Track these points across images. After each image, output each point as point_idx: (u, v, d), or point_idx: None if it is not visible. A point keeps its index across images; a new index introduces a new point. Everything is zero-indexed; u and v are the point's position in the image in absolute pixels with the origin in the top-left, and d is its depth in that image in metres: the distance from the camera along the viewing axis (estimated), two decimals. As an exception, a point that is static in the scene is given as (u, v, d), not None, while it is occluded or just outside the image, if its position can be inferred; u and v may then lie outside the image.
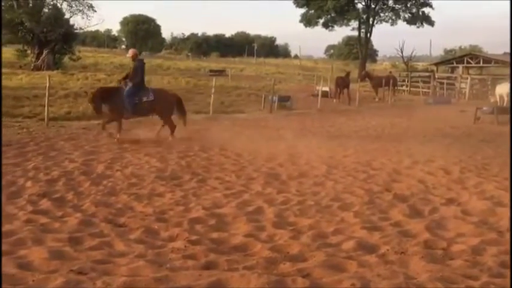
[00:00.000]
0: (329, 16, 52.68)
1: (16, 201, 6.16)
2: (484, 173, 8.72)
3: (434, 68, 40.64)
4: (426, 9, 51.62)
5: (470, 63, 37.16)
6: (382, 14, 52.69)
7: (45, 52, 32.09)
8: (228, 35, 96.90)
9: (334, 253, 4.68)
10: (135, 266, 4.19)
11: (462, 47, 66.95)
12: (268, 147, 10.69)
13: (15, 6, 32.84)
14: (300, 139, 12.30)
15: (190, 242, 4.93)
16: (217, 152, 10.17)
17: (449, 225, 5.68)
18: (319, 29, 55.20)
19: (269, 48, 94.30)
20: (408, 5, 51.75)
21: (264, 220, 5.81)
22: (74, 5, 35.72)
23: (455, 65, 38.56)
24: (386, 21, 52.92)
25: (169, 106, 11.46)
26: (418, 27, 52.08)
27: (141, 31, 76.31)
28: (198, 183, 7.53)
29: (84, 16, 36.10)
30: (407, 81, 36.66)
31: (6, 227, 5.17)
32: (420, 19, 51.61)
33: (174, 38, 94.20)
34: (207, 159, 9.48)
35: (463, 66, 37.41)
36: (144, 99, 11.04)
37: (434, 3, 52.33)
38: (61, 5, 35.95)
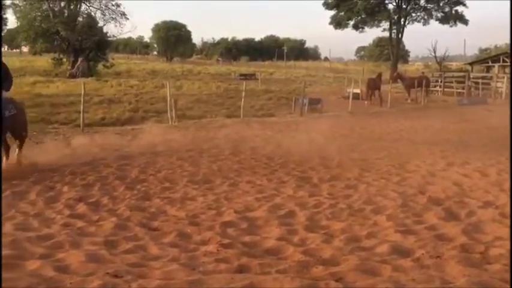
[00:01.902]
0: (359, 17, 52.11)
1: (54, 206, 6.33)
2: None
3: (469, 68, 39.72)
4: (459, 8, 50.44)
5: (506, 62, 36.13)
6: (413, 14, 51.74)
7: (80, 60, 32.91)
8: (257, 38, 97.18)
9: (367, 257, 4.62)
10: (168, 269, 4.24)
11: (498, 46, 65.13)
12: (299, 151, 10.66)
13: (51, 16, 33.83)
14: (331, 142, 12.22)
15: (223, 245, 4.96)
16: (248, 156, 10.20)
17: (486, 228, 5.53)
18: (349, 31, 54.66)
19: (299, 51, 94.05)
20: (441, 4, 50.66)
21: (296, 223, 5.78)
22: (107, 13, 36.57)
23: (490, 64, 37.60)
24: (418, 21, 51.95)
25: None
26: (451, 26, 50.93)
27: (172, 37, 77.28)
28: (230, 187, 7.57)
29: (117, 24, 36.91)
30: (441, 82, 35.92)
31: (44, 231, 5.32)
32: (453, 18, 50.45)
33: (204, 43, 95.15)
34: (238, 162, 9.52)
35: (498, 65, 36.42)
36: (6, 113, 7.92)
37: (468, 2, 50.86)
38: (95, 13, 36.89)
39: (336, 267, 4.36)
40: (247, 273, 4.22)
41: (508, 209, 6.33)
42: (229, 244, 4.99)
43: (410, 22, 51.94)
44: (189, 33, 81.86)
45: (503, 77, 33.06)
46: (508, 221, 5.80)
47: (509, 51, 38.38)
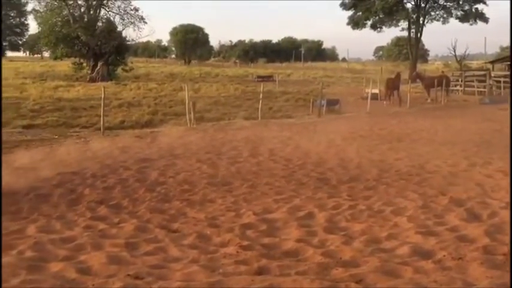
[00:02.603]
0: (377, 17, 51.71)
1: (75, 208, 6.44)
2: None
3: (490, 67, 39.06)
4: (479, 6, 49.66)
5: (529, 60, 35.45)
6: (432, 13, 51.09)
7: (99, 64, 33.40)
8: (275, 40, 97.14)
9: (388, 259, 4.58)
10: (188, 271, 4.27)
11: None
12: (317, 152, 10.62)
13: (71, 21, 34.38)
14: (349, 143, 12.15)
15: (242, 247, 4.97)
16: (266, 158, 10.20)
17: (509, 229, 5.43)
18: (367, 31, 54.38)
19: (316, 52, 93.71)
20: (460, 2, 49.94)
21: (315, 225, 5.77)
22: (126, 18, 37.02)
23: (512, 62, 36.89)
24: (437, 20, 51.28)
25: None
26: (471, 24, 50.15)
27: (190, 40, 77.82)
28: (248, 189, 7.58)
29: (136, 28, 37.34)
30: (461, 81, 35.41)
31: (66, 233, 5.41)
32: (473, 16, 49.68)
33: (222, 46, 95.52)
34: (256, 164, 9.53)
35: (521, 63, 35.73)
36: None
37: (488, 0, 49.99)
38: (114, 18, 37.39)
39: (356, 268, 4.34)
40: (267, 275, 4.22)
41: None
42: (249, 246, 5.01)
43: (430, 21, 51.30)
44: (206, 36, 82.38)
45: (526, 75, 32.43)
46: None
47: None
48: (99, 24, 36.70)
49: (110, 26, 36.65)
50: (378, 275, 4.17)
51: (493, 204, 6.49)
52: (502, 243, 5.00)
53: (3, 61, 45.40)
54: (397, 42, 77.07)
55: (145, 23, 37.55)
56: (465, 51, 48.36)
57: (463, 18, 50.16)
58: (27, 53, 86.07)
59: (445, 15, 50.80)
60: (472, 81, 33.89)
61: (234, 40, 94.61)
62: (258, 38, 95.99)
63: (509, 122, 10.85)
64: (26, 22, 69.34)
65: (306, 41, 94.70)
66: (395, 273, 4.21)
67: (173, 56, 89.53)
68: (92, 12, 35.82)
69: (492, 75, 34.89)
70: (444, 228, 5.56)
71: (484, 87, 32.49)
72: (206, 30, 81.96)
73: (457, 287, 3.85)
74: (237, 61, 75.74)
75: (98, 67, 33.25)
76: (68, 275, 4.19)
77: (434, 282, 3.97)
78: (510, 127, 9.88)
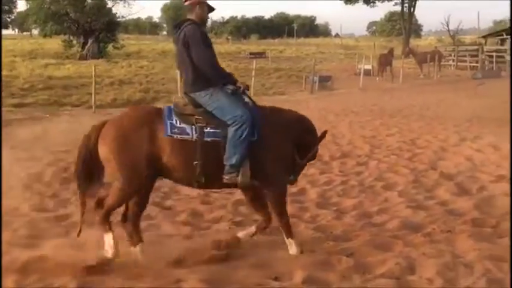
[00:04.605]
0: (370, -8, 51.26)
1: (69, 187, 6.44)
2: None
3: (483, 41, 38.99)
4: (473, -20, 49.28)
5: (522, 34, 35.41)
6: (426, -13, 50.72)
7: (90, 41, 32.94)
8: (267, 16, 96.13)
9: (378, 233, 4.67)
10: (182, 246, 4.32)
11: (513, 18, 63.71)
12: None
13: (60, -2, 33.78)
14: (341, 119, 12.18)
15: (235, 223, 5.04)
16: (259, 135, 10.21)
17: (498, 202, 5.54)
18: (360, 6, 53.79)
19: (309, 28, 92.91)
20: (454, -24, 49.51)
21: (307, 201, 5.84)
22: (115, -6, 36.38)
23: (504, 36, 36.83)
24: (431, -6, 50.93)
25: None
26: (464, -2, 49.89)
27: (182, 16, 76.50)
28: (241, 166, 7.60)
29: (126, 4, 36.73)
30: (454, 56, 35.38)
31: (61, 211, 5.44)
32: (467, -10, 49.34)
33: (213, 22, 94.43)
34: (249, 141, 9.54)
35: (513, 38, 35.71)
36: None
37: (481, -27, 49.73)
38: (104, -6, 36.72)
39: (347, 242, 4.43)
40: (260, 249, 4.28)
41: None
42: (241, 222, 5.07)
43: (423, -5, 50.89)
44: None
45: (518, 50, 32.45)
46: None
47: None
48: (89, 0, 36.08)
49: (100, 2, 36.01)
50: (369, 248, 4.26)
51: (482, 178, 6.59)
52: (490, 216, 5.10)
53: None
54: (391, 17, 76.50)
55: (136, -1, 37.02)
56: (458, 26, 48.16)
57: (456, -7, 49.74)
58: (16, 30, 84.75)
59: (438, -10, 50.37)
60: (465, 56, 33.90)
61: (226, 16, 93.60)
62: (250, 14, 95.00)
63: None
64: (14, -1, 68.17)
65: (298, 17, 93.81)
66: (385, 246, 4.30)
67: (165, 32, 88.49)
68: (81, -12, 35.17)
69: (484, 50, 34.86)
70: (434, 203, 5.65)
71: (477, 62, 32.51)
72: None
73: (446, 259, 3.94)
74: (229, 37, 75.02)
75: (88, 44, 32.80)
76: (64, 251, 4.23)
77: (423, 254, 4.06)
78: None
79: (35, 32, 48.14)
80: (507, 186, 6.17)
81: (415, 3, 50.30)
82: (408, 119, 12.37)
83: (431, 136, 9.72)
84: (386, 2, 52.45)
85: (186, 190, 6.32)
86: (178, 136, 3.84)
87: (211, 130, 3.88)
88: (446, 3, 75.64)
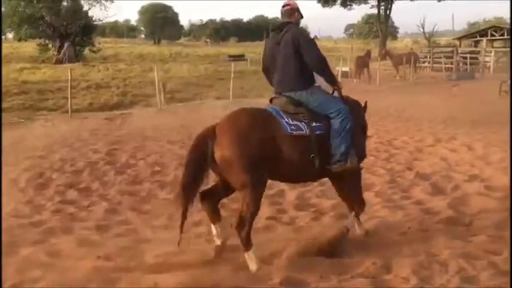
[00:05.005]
0: (347, -6, 51.80)
1: (44, 193, 6.36)
2: (509, 148, 8.56)
3: (457, 43, 39.73)
4: (447, -17, 50.23)
5: (495, 36, 36.21)
6: (401, -10, 51.51)
7: (66, 45, 32.53)
8: (246, 19, 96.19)
9: (355, 233, 4.71)
10: (160, 251, 4.30)
11: (486, 20, 65.10)
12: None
13: (35, 1, 33.26)
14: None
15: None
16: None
17: (471, 201, 5.64)
18: (338, 8, 54.31)
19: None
20: (428, -21, 50.42)
21: (285, 203, 5.86)
22: (91, -3, 36.02)
23: (478, 38, 37.63)
24: (406, -3, 51.72)
25: None
26: (439, 1, 50.77)
27: (159, 19, 76.31)
28: (220, 169, 7.59)
29: (102, 7, 36.44)
30: (430, 58, 35.96)
31: (36, 218, 5.36)
32: (441, -7, 50.25)
33: (192, 25, 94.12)
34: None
35: (486, 40, 36.49)
36: None
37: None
38: (79, -3, 36.31)
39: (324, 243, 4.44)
40: (237, 252, 4.28)
41: (493, 182, 6.45)
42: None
43: (398, -2, 51.64)
44: (176, 15, 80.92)
45: (491, 51, 33.15)
46: (493, 194, 5.92)
47: (496, 25, 38.43)
48: (64, 3, 35.64)
49: (75, 5, 35.65)
50: (346, 248, 4.29)
51: (456, 178, 6.70)
52: (464, 214, 5.20)
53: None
54: (368, 19, 77.33)
55: (112, 1, 36.73)
56: (433, 28, 48.99)
57: (431, -5, 50.63)
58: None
59: (413, -8, 51.20)
60: (440, 57, 34.48)
61: (205, 19, 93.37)
62: (229, 16, 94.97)
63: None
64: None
65: (277, 20, 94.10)
66: (362, 246, 4.33)
67: (142, 36, 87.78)
68: (56, -9, 34.71)
69: (459, 51, 35.50)
70: (410, 202, 5.74)
71: (452, 63, 33.09)
72: (176, 9, 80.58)
73: (421, 258, 4.00)
74: (208, 40, 74.89)
75: (64, 48, 32.39)
76: (39, 257, 4.18)
77: (399, 254, 4.11)
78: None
79: (10, 35, 47.28)
80: (480, 185, 6.31)
81: (391, 6, 51.08)
82: (385, 120, 12.52)
83: (407, 137, 9.86)
84: (363, 4, 53.08)
85: (163, 194, 6.32)
86: (296, 133, 4.01)
87: (317, 124, 4.13)
88: (421, 5, 76.73)
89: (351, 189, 4.56)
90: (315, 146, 4.04)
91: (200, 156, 3.87)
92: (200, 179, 3.91)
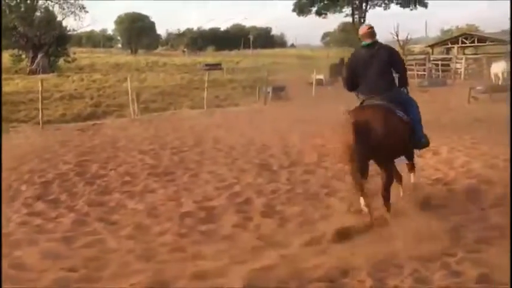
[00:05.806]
0: (322, 3, 52.48)
1: (12, 205, 6.32)
2: (473, 152, 8.81)
3: (430, 50, 40.54)
4: (418, -9, 51.30)
5: (465, 43, 37.09)
6: (374, -2, 52.44)
7: (39, 56, 32.18)
8: (223, 28, 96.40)
9: (318, 238, 4.82)
10: (124, 260, 4.35)
11: (459, 27, 66.53)
12: (261, 139, 10.80)
13: (8, 11, 32.89)
14: (293, 129, 12.39)
15: (179, 235, 5.09)
16: (210, 146, 10.29)
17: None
18: (314, 17, 54.93)
19: (265, 39, 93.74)
20: (400, -12, 51.43)
21: (252, 210, 5.95)
22: (65, 7, 35.78)
23: (450, 45, 38.48)
24: (379, 6, 52.73)
25: None
26: (411, 9, 51.88)
27: (136, 29, 76.02)
28: (191, 178, 7.66)
29: (77, 17, 36.19)
30: (403, 65, 36.51)
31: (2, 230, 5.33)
32: (413, 1, 51.35)
33: (169, 34, 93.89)
34: (200, 153, 9.60)
35: (458, 47, 37.34)
36: None
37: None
38: (53, 7, 36.04)
39: (286, 249, 4.55)
40: (202, 260, 4.36)
41: (455, 186, 6.65)
42: (186, 234, 5.13)
43: (372, 6, 52.66)
44: (152, 24, 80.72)
45: (462, 58, 33.91)
46: (455, 197, 6.12)
47: (468, 33, 39.40)
48: (38, 14, 35.31)
49: (49, 15, 35.36)
50: (308, 253, 4.40)
51: (420, 182, 6.85)
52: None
53: None
54: (344, 28, 78.23)
55: (86, 12, 36.50)
56: (407, 36, 49.78)
57: (403, 4, 51.71)
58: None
59: (386, 1, 52.21)
60: (412, 64, 35.12)
61: (182, 28, 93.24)
62: (206, 26, 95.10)
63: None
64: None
65: (254, 28, 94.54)
66: (322, 251, 4.45)
67: (119, 45, 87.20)
68: (28, 1, 34.37)
69: (431, 58, 36.20)
70: (374, 207, 5.86)
71: (424, 70, 33.73)
72: (152, 19, 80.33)
73: (378, 260, 4.13)
74: (185, 50, 74.80)
75: (38, 59, 32.02)
76: (3, 271, 4.17)
77: (358, 256, 4.23)
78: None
79: (-18, 46, 46.52)
80: (443, 188, 6.50)
81: (365, 15, 51.94)
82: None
83: (376, 143, 10.03)
84: (337, 13, 53.82)
85: (132, 204, 6.35)
86: (405, 119, 5.24)
87: (404, 115, 5.28)
88: (394, 13, 78.18)
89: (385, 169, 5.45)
90: (411, 129, 5.30)
91: (365, 141, 4.85)
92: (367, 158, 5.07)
